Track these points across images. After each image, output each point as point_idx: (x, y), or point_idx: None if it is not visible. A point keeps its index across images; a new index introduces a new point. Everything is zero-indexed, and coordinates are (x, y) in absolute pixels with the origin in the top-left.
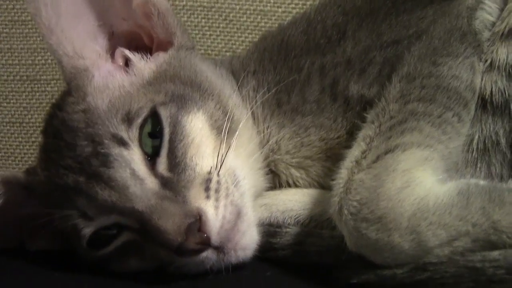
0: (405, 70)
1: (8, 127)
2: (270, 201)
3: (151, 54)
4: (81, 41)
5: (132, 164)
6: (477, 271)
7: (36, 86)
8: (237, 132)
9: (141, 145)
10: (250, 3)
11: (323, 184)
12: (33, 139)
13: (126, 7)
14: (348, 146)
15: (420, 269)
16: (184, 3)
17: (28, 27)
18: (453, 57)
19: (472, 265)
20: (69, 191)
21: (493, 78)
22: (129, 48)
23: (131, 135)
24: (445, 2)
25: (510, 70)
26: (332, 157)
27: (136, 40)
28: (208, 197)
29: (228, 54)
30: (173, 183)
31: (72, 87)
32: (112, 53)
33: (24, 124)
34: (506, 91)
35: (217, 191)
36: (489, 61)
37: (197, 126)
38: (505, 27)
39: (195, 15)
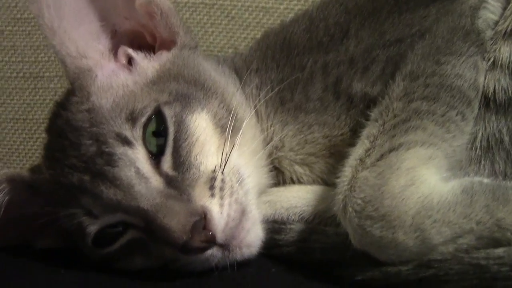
0: (409, 69)
1: (11, 124)
2: (274, 198)
3: (154, 53)
4: (84, 41)
5: (136, 163)
6: (482, 268)
7: (39, 83)
8: (241, 131)
9: (145, 144)
10: (252, 0)
11: (327, 181)
12: (37, 135)
13: (128, 7)
14: (352, 144)
15: (425, 266)
16: (186, 0)
17: (31, 24)
18: (457, 56)
19: (477, 262)
20: (74, 189)
21: (496, 77)
22: (132, 47)
23: (135, 134)
24: (448, 0)
25: None
26: (336, 154)
27: (138, 38)
28: (212, 195)
29: (230, 51)
30: (178, 181)
31: (76, 87)
32: (115, 52)
33: (28, 121)
34: (509, 89)
35: (221, 189)
36: (492, 60)
37: (201, 125)
38: (508, 26)
39: (197, 12)
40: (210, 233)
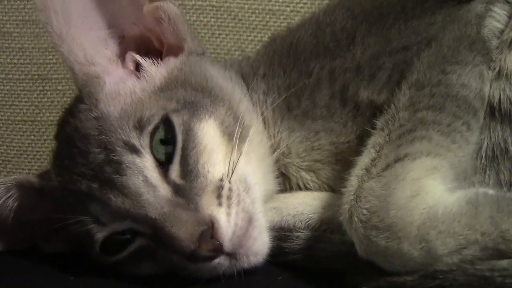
0: (415, 78)
1: (20, 125)
2: (281, 205)
3: (161, 59)
4: (92, 47)
5: (144, 171)
6: (486, 279)
7: (48, 84)
8: (248, 138)
9: (153, 152)
10: (259, 3)
11: (333, 187)
12: (45, 137)
13: (136, 12)
14: (358, 150)
15: (430, 277)
16: (193, 2)
17: (39, 26)
18: (462, 65)
19: (481, 274)
20: (83, 197)
21: (502, 86)
22: (139, 53)
23: (143, 142)
24: (454, 8)
25: None
26: (342, 160)
27: (146, 43)
28: (220, 204)
29: (237, 53)
30: (186, 190)
31: (84, 94)
32: (122, 58)
33: (36, 122)
34: None
35: (229, 198)
36: (497, 69)
37: (209, 134)
38: None
39: (204, 14)
40: (218, 242)
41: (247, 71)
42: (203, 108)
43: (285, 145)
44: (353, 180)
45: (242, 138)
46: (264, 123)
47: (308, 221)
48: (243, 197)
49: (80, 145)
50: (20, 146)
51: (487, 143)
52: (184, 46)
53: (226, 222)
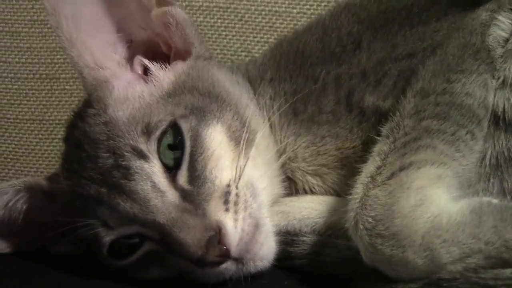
0: (420, 85)
1: (28, 124)
2: (287, 209)
3: (169, 63)
4: (101, 52)
5: (152, 176)
6: None
7: (55, 84)
8: (254, 142)
9: (160, 157)
10: (265, 4)
11: (339, 191)
12: (53, 136)
13: (144, 17)
14: (363, 156)
15: (434, 285)
16: (200, 3)
17: (47, 26)
18: (467, 74)
19: (485, 283)
20: (91, 201)
21: (506, 95)
22: (147, 57)
23: (150, 147)
24: (459, 15)
25: None
26: (348, 165)
27: (154, 47)
28: (227, 209)
29: (243, 54)
30: (193, 195)
31: (93, 99)
32: (131, 62)
33: (44, 122)
34: None
35: (236, 203)
36: (502, 79)
37: (216, 139)
38: None
39: (211, 16)
40: (225, 248)
41: (254, 75)
42: (210, 114)
43: (291, 150)
44: (358, 188)
45: (249, 143)
46: (271, 128)
47: (314, 226)
48: (250, 202)
49: (89, 149)
50: (28, 145)
51: (491, 152)
52: (191, 50)
53: (233, 227)
